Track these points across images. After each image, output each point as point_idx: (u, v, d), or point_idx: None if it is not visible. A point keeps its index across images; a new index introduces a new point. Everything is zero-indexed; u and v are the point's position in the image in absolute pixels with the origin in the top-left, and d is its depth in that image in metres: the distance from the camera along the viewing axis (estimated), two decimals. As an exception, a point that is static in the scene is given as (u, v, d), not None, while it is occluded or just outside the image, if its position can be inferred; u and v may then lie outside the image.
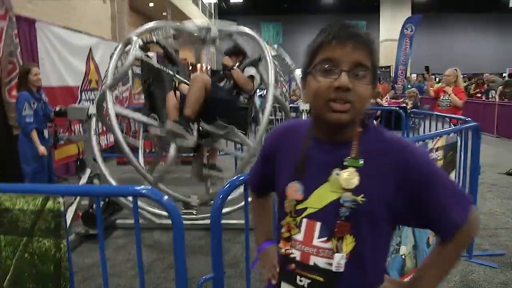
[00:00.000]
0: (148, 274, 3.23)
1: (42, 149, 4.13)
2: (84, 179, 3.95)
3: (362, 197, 0.97)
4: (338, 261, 0.98)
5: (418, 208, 0.99)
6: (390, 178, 0.98)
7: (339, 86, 0.93)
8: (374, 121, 11.11)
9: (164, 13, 13.78)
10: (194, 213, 3.98)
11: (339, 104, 0.94)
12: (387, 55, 22.03)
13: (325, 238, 1.00)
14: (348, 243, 0.98)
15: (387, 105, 10.85)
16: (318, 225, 1.01)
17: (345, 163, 0.99)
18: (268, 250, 1.27)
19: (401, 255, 2.44)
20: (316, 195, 1.01)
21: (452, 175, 3.06)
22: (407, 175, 0.97)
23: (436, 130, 4.82)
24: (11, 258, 1.62)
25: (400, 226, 2.35)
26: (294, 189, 1.03)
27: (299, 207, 1.03)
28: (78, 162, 4.30)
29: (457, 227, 0.99)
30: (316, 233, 1.01)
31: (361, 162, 0.98)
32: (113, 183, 3.53)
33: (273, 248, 1.23)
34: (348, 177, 0.97)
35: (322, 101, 0.96)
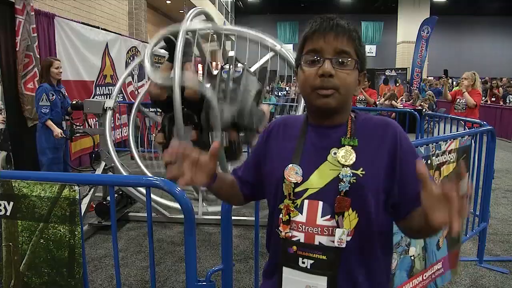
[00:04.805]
0: (159, 266, 3.27)
1: (58, 131, 4.22)
2: (99, 171, 4.02)
3: (361, 171, 1.01)
4: (340, 237, 1.00)
5: (400, 176, 1.03)
6: (383, 152, 1.04)
7: (322, 73, 1.00)
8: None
9: (181, 11, 13.86)
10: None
11: (324, 89, 1.01)
12: (404, 57, 21.78)
13: (328, 216, 1.02)
14: (352, 219, 1.01)
15: (402, 107, 10.75)
16: (320, 204, 1.03)
17: (342, 143, 1.04)
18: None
19: (410, 256, 2.44)
20: (316, 175, 1.04)
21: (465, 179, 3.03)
22: (396, 146, 1.04)
23: (450, 133, 4.77)
24: (27, 243, 1.68)
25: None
26: (292, 172, 1.05)
27: (298, 189, 1.05)
28: (94, 155, 4.38)
29: None
30: (319, 212, 1.03)
31: (357, 140, 1.04)
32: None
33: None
34: (345, 154, 1.02)
35: (309, 89, 1.04)
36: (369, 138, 1.05)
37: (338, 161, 1.02)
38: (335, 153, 1.03)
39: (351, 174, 1.00)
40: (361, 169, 1.01)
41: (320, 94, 1.01)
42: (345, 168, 1.01)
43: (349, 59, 1.02)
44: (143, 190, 3.74)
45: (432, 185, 0.84)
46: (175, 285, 3.02)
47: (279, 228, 1.06)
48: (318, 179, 1.03)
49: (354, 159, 1.01)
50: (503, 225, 4.27)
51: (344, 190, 1.00)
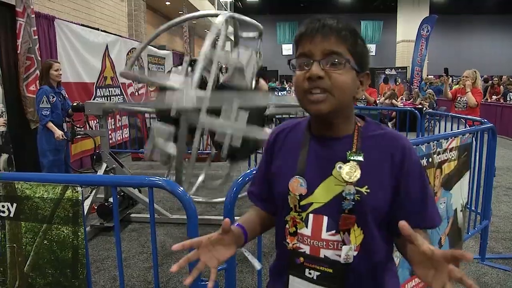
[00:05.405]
0: (161, 267, 3.27)
1: (59, 133, 4.23)
2: (100, 173, 4.03)
3: (366, 188, 0.99)
4: (346, 253, 0.99)
5: (401, 191, 1.01)
6: (389, 167, 1.01)
7: (310, 75, 0.97)
8: (389, 122, 11.03)
9: (181, 12, 13.85)
10: None
11: (315, 94, 0.98)
12: (403, 56, 21.79)
13: (333, 231, 1.01)
14: (357, 235, 1.00)
15: (402, 105, 10.75)
16: (325, 219, 1.02)
17: (347, 158, 1.01)
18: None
19: (413, 254, 2.44)
20: (321, 189, 1.02)
21: (466, 177, 3.03)
22: (403, 162, 1.01)
23: (451, 131, 4.77)
24: (31, 245, 1.68)
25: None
26: (297, 184, 1.03)
27: (303, 202, 1.03)
28: (95, 157, 4.39)
29: (433, 227, 1.05)
30: (324, 227, 1.02)
31: (362, 156, 1.01)
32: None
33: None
34: (350, 170, 0.99)
35: (301, 93, 1.01)
36: (375, 152, 1.02)
37: (342, 177, 1.00)
38: (340, 167, 1.01)
39: (355, 192, 0.98)
40: (366, 186, 0.98)
41: (311, 99, 0.98)
42: (349, 186, 0.98)
43: (341, 59, 0.97)
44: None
45: (423, 241, 0.81)
46: (177, 285, 3.02)
47: (287, 240, 1.06)
48: (322, 194, 1.02)
49: (358, 176, 0.98)
50: (505, 222, 4.27)
51: (347, 209, 0.99)
